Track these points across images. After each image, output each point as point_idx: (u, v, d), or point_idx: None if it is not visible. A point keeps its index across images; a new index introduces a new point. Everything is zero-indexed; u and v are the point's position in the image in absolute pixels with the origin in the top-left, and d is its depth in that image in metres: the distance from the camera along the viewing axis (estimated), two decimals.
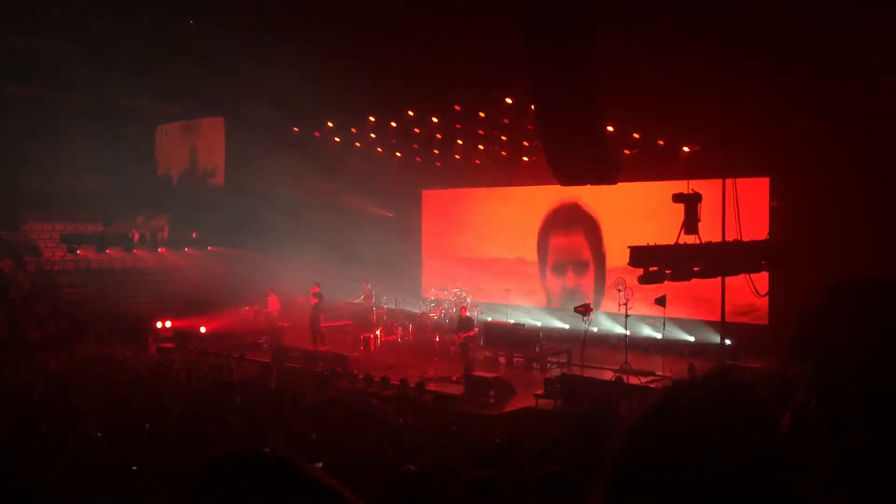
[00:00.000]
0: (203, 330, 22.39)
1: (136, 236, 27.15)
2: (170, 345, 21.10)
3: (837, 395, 1.39)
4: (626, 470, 1.24)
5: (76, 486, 5.98)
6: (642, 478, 1.21)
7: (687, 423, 1.23)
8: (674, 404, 1.27)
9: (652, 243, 14.62)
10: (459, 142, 23.36)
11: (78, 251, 25.65)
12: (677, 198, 15.15)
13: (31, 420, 9.41)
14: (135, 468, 6.60)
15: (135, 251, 26.93)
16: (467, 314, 18.83)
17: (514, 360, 19.17)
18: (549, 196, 23.29)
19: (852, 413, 1.37)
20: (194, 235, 28.18)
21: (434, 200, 26.64)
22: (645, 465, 1.22)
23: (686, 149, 19.24)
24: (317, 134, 25.51)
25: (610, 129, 16.88)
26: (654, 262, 14.33)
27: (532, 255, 23.89)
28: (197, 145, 28.09)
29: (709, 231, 15.66)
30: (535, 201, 23.77)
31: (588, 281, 22.49)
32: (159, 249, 27.54)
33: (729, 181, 16.78)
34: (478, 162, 24.06)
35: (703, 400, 1.26)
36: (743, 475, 1.19)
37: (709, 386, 1.29)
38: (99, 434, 8.42)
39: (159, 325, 22.45)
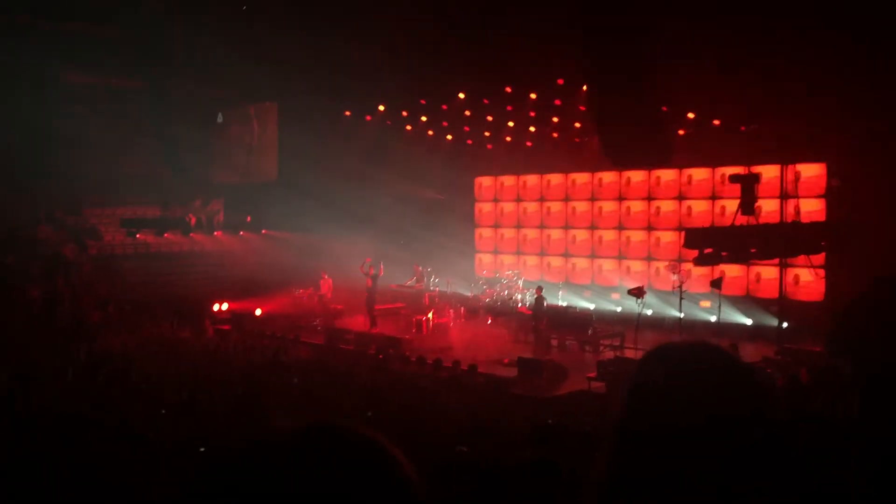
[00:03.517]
0: (258, 312, 22.75)
1: (193, 220, 27.65)
2: (226, 326, 21.49)
3: (879, 392, 1.38)
4: (626, 425, 1.31)
5: (140, 462, 6.15)
6: (641, 428, 1.28)
7: (670, 375, 1.32)
8: (658, 362, 1.36)
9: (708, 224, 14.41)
10: (510, 124, 23.26)
11: (137, 235, 26.26)
12: (734, 178, 14.91)
13: (97, 398, 9.70)
14: (202, 448, 6.76)
15: (192, 235, 27.44)
16: (542, 294, 19.03)
17: (567, 342, 19.13)
18: (600, 179, 23.11)
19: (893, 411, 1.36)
20: (249, 219, 28.59)
21: (487, 184, 26.60)
22: (641, 415, 1.29)
23: (743, 128, 18.84)
24: (368, 118, 25.64)
25: (663, 108, 16.66)
26: (709, 244, 14.12)
27: (584, 236, 23.72)
28: (252, 130, 28.42)
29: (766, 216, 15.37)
30: (588, 184, 23.58)
31: (642, 263, 22.25)
32: (215, 233, 28.02)
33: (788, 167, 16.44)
34: (529, 144, 23.94)
35: (683, 355, 1.35)
36: (725, 422, 1.24)
37: (687, 345, 1.38)
38: (163, 411, 8.66)
39: (216, 307, 22.86)
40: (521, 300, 22.32)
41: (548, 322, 19.00)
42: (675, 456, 1.22)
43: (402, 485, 1.02)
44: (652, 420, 1.27)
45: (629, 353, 16.86)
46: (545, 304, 19.17)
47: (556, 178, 24.45)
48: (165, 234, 26.86)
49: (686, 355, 1.34)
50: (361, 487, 0.99)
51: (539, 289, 19.40)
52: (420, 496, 1.03)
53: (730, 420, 1.23)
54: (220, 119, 28.44)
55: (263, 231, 28.58)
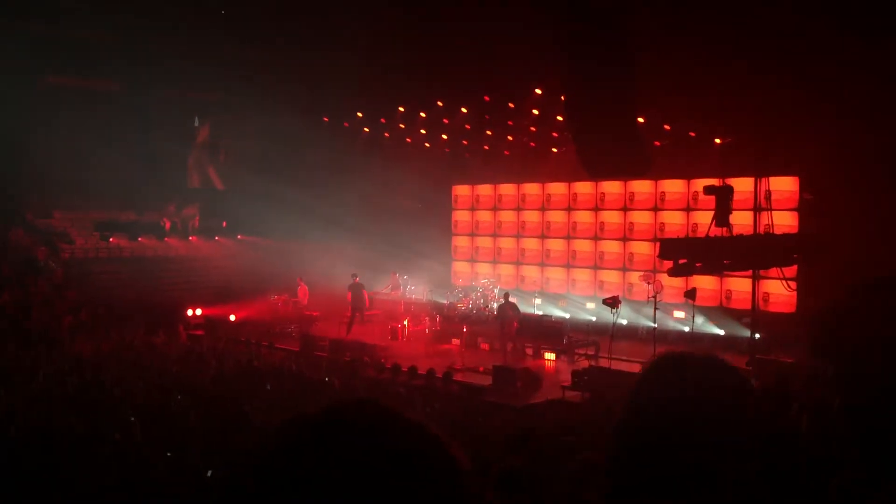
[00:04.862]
0: (233, 318, 22.60)
1: (168, 225, 27.43)
2: (200, 332, 21.32)
3: (861, 396, 1.39)
4: (627, 430, 1.35)
5: (112, 468, 6.09)
6: (641, 436, 1.31)
7: (673, 386, 1.35)
8: (661, 371, 1.41)
9: (682, 236, 14.53)
10: (489, 133, 23.35)
11: (111, 239, 25.99)
12: (709, 190, 15.04)
13: (68, 403, 9.58)
14: (168, 454, 6.71)
15: (166, 239, 27.22)
16: (508, 300, 19.03)
17: (542, 351, 19.17)
18: (577, 190, 23.24)
19: (876, 414, 1.37)
20: (224, 224, 28.41)
21: (464, 193, 26.65)
22: (642, 423, 1.31)
23: (718, 140, 19.05)
24: (346, 124, 25.62)
25: (640, 120, 16.80)
26: (684, 255, 14.23)
27: (560, 246, 23.83)
28: (229, 134, 28.26)
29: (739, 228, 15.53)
30: (564, 195, 23.69)
31: (616, 273, 22.38)
32: (190, 238, 27.80)
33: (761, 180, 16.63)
34: (507, 153, 24.03)
35: (686, 366, 1.39)
36: (722, 426, 1.27)
37: (689, 357, 1.41)
38: (132, 418, 8.58)
39: (190, 312, 22.67)
40: (495, 309, 22.35)
41: (517, 329, 18.91)
42: (675, 462, 1.24)
43: (451, 467, 1.00)
44: (653, 427, 1.28)
45: (604, 363, 16.94)
46: (511, 311, 19.02)
47: (532, 189, 24.55)
48: (139, 239, 26.60)
49: (689, 365, 1.36)
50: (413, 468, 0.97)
51: (506, 295, 19.40)
52: (469, 481, 1.00)
53: (730, 429, 1.25)
54: (196, 123, 28.24)
55: (239, 236, 28.39)
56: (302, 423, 1.01)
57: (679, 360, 1.40)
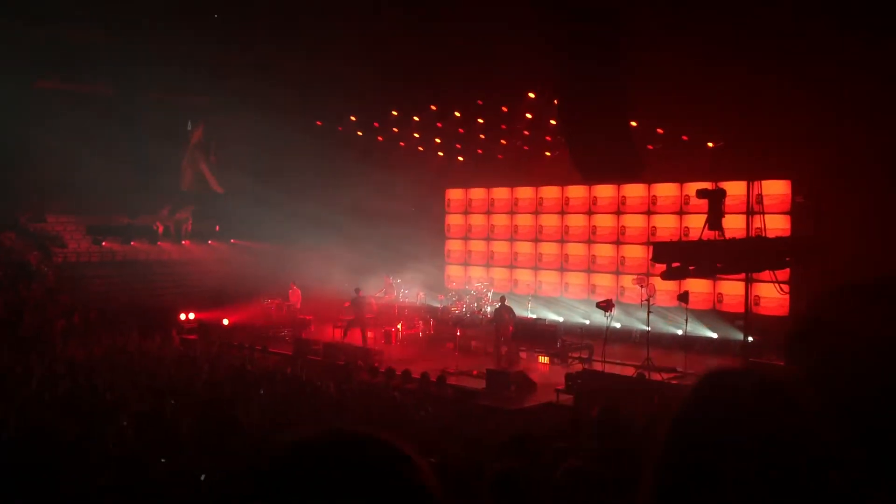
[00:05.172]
0: (226, 322, 22.57)
1: (161, 229, 27.39)
2: (193, 336, 21.27)
3: (840, 400, 1.38)
4: (672, 459, 1.26)
5: (105, 473, 6.06)
6: (688, 465, 1.23)
7: (725, 410, 1.25)
8: (712, 392, 1.30)
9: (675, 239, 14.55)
10: (482, 136, 23.37)
11: (104, 243, 25.92)
12: (702, 193, 15.07)
13: (61, 408, 9.54)
14: (163, 460, 6.67)
15: (159, 243, 27.17)
16: (504, 304, 19.03)
17: (536, 354, 19.17)
18: (569, 193, 23.27)
19: (856, 419, 1.36)
20: (217, 228, 28.38)
21: (457, 197, 26.66)
22: (690, 451, 1.24)
23: (711, 144, 19.11)
24: (339, 128, 25.62)
25: (633, 123, 16.84)
26: (677, 259, 14.26)
27: (553, 250, 23.85)
28: (221, 137, 28.21)
29: (731, 231, 15.58)
30: (557, 198, 23.72)
31: (609, 277, 22.41)
32: (183, 242, 27.77)
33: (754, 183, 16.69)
34: (500, 157, 24.06)
35: (739, 389, 1.28)
36: (779, 458, 1.20)
37: (743, 376, 1.31)
38: (125, 423, 8.54)
39: (183, 316, 22.63)
40: (491, 312, 22.37)
41: (512, 333, 18.92)
42: (721, 482, 1.20)
43: (424, 494, 1.02)
44: (700, 446, 1.24)
45: (597, 366, 16.96)
46: (507, 314, 19.03)
47: (526, 192, 24.57)
48: (132, 242, 26.56)
49: (740, 382, 1.30)
50: (385, 495, 0.99)
51: (502, 298, 19.41)
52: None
53: (780, 451, 1.21)
54: (189, 127, 28.20)
55: (232, 240, 28.37)
56: (303, 447, 1.04)
57: (718, 378, 1.33)
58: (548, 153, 22.80)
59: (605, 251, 22.60)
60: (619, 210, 22.26)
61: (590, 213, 22.95)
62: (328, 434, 1.06)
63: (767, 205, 17.84)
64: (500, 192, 25.31)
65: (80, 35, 21.87)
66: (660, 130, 19.65)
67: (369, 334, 20.60)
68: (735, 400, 1.26)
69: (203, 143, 28.28)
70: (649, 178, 20.51)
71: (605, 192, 22.45)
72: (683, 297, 16.84)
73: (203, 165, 28.26)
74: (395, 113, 24.04)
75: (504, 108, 21.82)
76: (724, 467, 1.19)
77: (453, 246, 26.79)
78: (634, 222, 21.90)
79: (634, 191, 21.76)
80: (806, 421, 1.25)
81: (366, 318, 20.79)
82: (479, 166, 24.70)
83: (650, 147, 19.71)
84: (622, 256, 22.15)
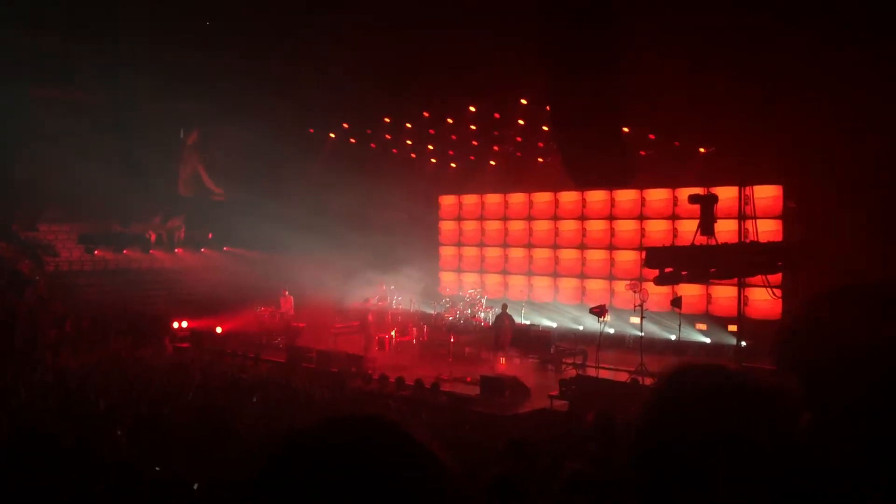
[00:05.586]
0: (219, 330, 22.50)
1: (153, 237, 27.31)
2: (186, 344, 21.21)
3: (833, 411, 1.38)
4: (643, 455, 1.30)
5: (98, 484, 6.05)
6: (659, 460, 1.27)
7: (691, 397, 1.30)
8: (679, 380, 1.35)
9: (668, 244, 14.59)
10: (474, 143, 23.42)
11: (96, 252, 25.84)
12: (693, 199, 15.12)
13: (53, 417, 9.51)
14: (157, 468, 6.66)
15: (152, 252, 27.09)
16: (505, 310, 19.11)
17: (529, 360, 19.19)
18: (561, 199, 23.32)
19: (849, 430, 1.36)
20: (210, 236, 28.32)
21: (449, 203, 26.69)
22: (659, 446, 1.27)
23: (702, 150, 19.18)
24: (332, 135, 25.62)
25: (625, 129, 16.89)
26: (670, 264, 14.29)
27: (545, 255, 23.88)
28: (214, 146, 28.17)
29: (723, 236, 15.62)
30: (549, 204, 23.76)
31: (601, 282, 22.44)
32: (176, 250, 27.70)
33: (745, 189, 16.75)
34: (493, 164, 24.10)
35: (700, 384, 1.33)
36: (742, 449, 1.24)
37: (704, 372, 1.36)
38: (118, 432, 8.52)
39: (176, 325, 22.57)
40: (485, 318, 22.39)
41: (511, 339, 18.99)
42: (692, 471, 1.22)
43: (439, 472, 1.01)
44: (670, 437, 1.26)
45: (591, 372, 16.97)
46: (508, 321, 19.09)
47: (518, 198, 24.61)
48: (125, 251, 26.47)
49: (705, 376, 1.33)
50: (401, 475, 0.98)
51: (503, 305, 19.47)
52: (457, 483, 1.01)
53: (746, 440, 1.22)
54: (182, 135, 28.16)
55: (225, 248, 28.31)
56: (298, 436, 1.02)
57: (683, 372, 1.36)
58: (540, 159, 22.83)
59: (596, 256, 22.64)
60: (611, 215, 22.31)
61: (582, 218, 22.99)
62: (322, 421, 1.04)
63: (759, 209, 17.92)
64: (493, 199, 25.35)
65: (71, 43, 21.83)
66: (651, 136, 19.71)
67: (355, 338, 20.67)
68: (697, 394, 1.28)
69: (199, 145, 28.21)
70: (641, 184, 20.57)
71: (596, 197, 22.50)
72: (677, 302, 16.88)
73: (200, 168, 28.21)
74: (387, 120, 24.06)
75: (496, 115, 21.86)
76: (691, 460, 1.22)
77: (446, 252, 26.80)
78: (625, 227, 21.96)
79: (626, 196, 21.81)
80: (774, 415, 1.28)
81: (371, 325, 20.89)
82: (471, 173, 24.72)
83: (642, 153, 19.77)
84: (613, 262, 22.20)
